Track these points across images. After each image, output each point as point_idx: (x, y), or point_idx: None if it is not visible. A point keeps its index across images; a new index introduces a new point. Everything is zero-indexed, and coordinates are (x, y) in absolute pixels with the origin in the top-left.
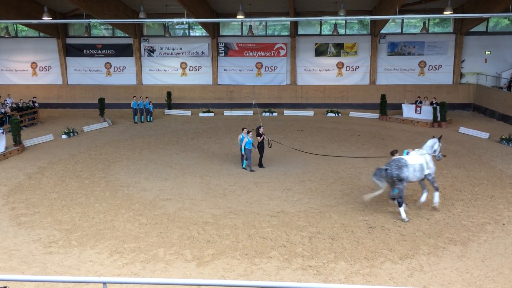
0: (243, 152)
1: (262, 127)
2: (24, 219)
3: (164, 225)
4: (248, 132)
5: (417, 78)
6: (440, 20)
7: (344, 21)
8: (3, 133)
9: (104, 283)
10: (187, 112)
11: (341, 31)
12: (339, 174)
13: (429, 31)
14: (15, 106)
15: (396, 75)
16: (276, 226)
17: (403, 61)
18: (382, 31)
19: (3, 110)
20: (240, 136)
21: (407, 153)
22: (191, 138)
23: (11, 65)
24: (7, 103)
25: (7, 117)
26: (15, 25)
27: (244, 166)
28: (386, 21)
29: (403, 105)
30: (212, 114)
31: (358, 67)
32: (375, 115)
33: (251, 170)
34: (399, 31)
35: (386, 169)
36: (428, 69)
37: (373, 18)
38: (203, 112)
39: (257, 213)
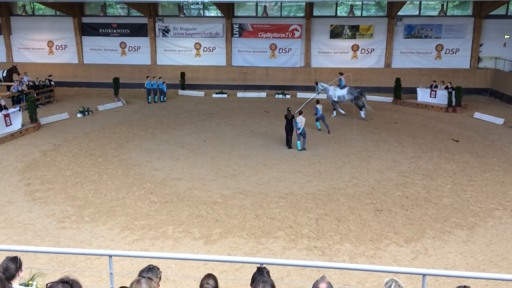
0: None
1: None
2: (39, 194)
3: (174, 204)
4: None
5: (434, 62)
6: (459, 2)
7: (360, 3)
8: (19, 110)
9: (110, 256)
10: (200, 93)
11: (357, 12)
12: (349, 157)
13: (447, 14)
14: (31, 84)
15: (412, 58)
16: (284, 207)
17: (419, 44)
18: (399, 13)
19: (20, 88)
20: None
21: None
22: (203, 119)
23: (28, 43)
24: (24, 81)
25: (24, 95)
26: (32, 3)
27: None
28: (404, 3)
29: (417, 89)
30: (225, 95)
31: (374, 49)
32: (389, 99)
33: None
34: (417, 13)
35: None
36: (445, 53)
37: (390, 0)
38: (216, 93)
39: (266, 194)
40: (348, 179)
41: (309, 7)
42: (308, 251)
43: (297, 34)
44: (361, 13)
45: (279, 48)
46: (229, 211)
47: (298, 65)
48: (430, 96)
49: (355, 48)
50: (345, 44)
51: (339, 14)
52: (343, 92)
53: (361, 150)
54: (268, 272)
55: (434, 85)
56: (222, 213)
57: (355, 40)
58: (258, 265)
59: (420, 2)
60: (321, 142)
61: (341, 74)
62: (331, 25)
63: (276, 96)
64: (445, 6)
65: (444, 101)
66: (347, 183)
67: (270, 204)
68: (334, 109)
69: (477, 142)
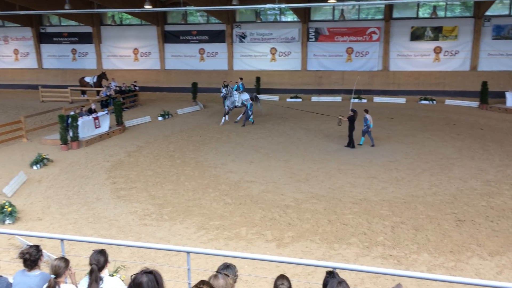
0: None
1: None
2: (123, 192)
3: (247, 206)
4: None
5: None
6: None
7: (444, 3)
8: (107, 113)
9: (188, 253)
10: (274, 97)
11: (441, 13)
12: (428, 164)
13: None
14: (118, 89)
15: (501, 60)
16: (358, 213)
17: (510, 45)
18: (486, 13)
19: (108, 93)
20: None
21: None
22: (277, 123)
23: (116, 51)
24: (112, 87)
25: (111, 99)
26: (120, 14)
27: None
28: (492, 2)
29: (507, 93)
30: (300, 100)
31: (458, 52)
32: (475, 104)
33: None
34: (507, 12)
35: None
36: None
37: None
38: (291, 98)
39: (339, 199)
40: (427, 186)
41: (389, 9)
42: (383, 260)
43: (375, 37)
44: (445, 13)
45: (356, 52)
46: (302, 215)
47: (375, 69)
48: None
49: (437, 50)
50: (427, 46)
51: (420, 15)
52: (246, 96)
53: (442, 157)
54: (338, 275)
55: None
56: (295, 217)
57: (438, 42)
58: (330, 270)
59: (511, 1)
60: (399, 148)
61: (241, 78)
62: (412, 27)
63: (352, 100)
64: None
65: None
66: (426, 191)
67: (344, 209)
68: (226, 115)
69: None
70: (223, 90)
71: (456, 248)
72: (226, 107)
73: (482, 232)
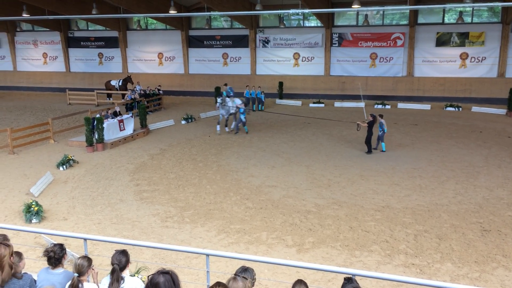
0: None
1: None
2: (146, 194)
3: (268, 211)
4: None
5: None
6: None
7: (471, 9)
8: (132, 116)
9: (207, 255)
10: (297, 102)
11: (467, 19)
12: (454, 172)
13: None
14: (143, 92)
15: None
16: (380, 220)
17: None
18: None
19: (132, 96)
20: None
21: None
22: (299, 128)
23: (141, 55)
24: (136, 90)
25: (136, 103)
26: (145, 19)
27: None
28: None
29: None
30: (323, 105)
31: (485, 58)
32: (502, 111)
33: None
34: None
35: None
36: None
37: (505, 5)
38: (314, 103)
39: (361, 206)
40: (452, 195)
41: (414, 14)
42: (405, 268)
43: (399, 42)
44: (472, 19)
45: (380, 57)
46: (323, 221)
47: (399, 75)
48: None
49: (464, 56)
50: (453, 52)
51: (446, 21)
52: (239, 101)
53: (468, 165)
54: (356, 281)
55: None
56: (316, 222)
57: (464, 48)
58: (348, 276)
59: None
60: (423, 155)
61: (226, 85)
62: (437, 33)
63: (376, 106)
64: None
65: None
66: (450, 199)
67: (366, 216)
68: (226, 126)
69: None
70: (219, 100)
71: (481, 259)
72: (220, 116)
73: (508, 243)
